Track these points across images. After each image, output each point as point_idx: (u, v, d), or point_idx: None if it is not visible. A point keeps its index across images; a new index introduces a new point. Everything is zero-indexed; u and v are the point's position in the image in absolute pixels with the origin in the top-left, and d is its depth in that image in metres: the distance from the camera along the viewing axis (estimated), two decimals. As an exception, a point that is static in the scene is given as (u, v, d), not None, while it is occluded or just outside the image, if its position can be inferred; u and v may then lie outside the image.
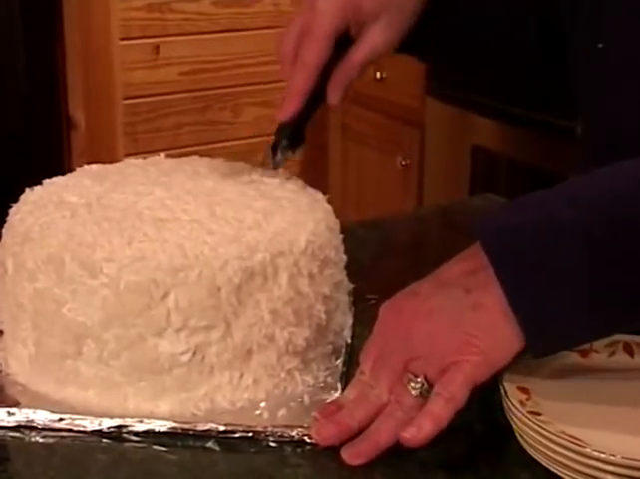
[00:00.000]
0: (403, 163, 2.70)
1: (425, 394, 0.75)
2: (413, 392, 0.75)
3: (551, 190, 0.76)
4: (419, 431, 0.73)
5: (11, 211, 0.87)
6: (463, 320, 0.74)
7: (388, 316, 0.79)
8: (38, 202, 0.87)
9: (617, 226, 0.72)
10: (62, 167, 2.60)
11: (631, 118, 0.95)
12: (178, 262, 0.78)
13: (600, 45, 0.98)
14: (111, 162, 0.98)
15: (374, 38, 0.93)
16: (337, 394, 0.82)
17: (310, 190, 0.92)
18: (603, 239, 0.72)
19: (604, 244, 0.72)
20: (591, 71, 1.00)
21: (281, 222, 0.83)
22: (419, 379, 0.75)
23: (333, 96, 0.93)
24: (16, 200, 0.89)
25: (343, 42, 0.92)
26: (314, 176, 0.95)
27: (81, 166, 0.97)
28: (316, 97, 0.93)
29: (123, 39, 2.61)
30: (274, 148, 0.95)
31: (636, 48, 0.94)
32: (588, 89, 1.01)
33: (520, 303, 0.73)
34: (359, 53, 0.93)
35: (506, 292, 0.73)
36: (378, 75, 2.78)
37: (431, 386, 0.74)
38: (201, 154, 1.01)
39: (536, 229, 0.73)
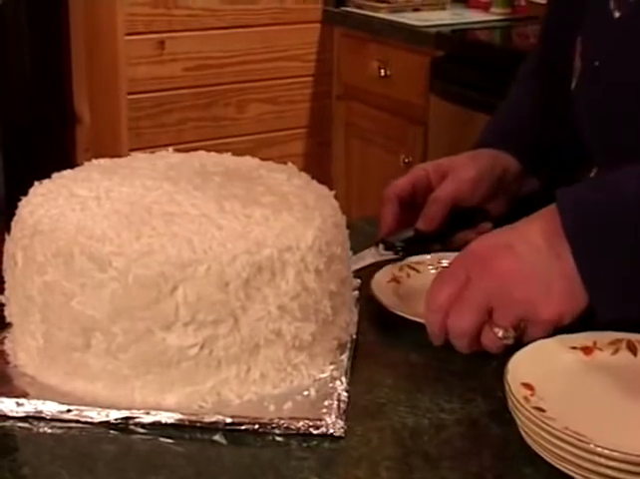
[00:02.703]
0: (406, 160, 2.70)
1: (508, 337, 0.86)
2: (501, 336, 0.86)
3: (626, 172, 0.85)
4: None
5: (20, 204, 0.88)
6: (553, 290, 0.84)
7: (478, 259, 0.86)
8: (48, 195, 0.87)
9: None
10: (67, 161, 2.61)
11: (628, 132, 0.98)
12: (187, 257, 0.79)
13: (596, 63, 1.01)
14: (115, 156, 0.99)
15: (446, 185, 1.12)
16: (342, 387, 0.83)
17: (317, 185, 0.93)
18: None
19: None
20: (588, 86, 1.03)
21: (288, 217, 0.84)
22: (508, 331, 0.86)
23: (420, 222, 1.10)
24: (21, 193, 0.89)
25: None
26: (318, 172, 0.96)
27: (85, 160, 0.97)
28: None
29: (128, 34, 2.62)
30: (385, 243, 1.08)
31: (627, 65, 0.96)
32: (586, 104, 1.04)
33: (589, 273, 0.83)
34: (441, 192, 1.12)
35: (576, 261, 0.83)
36: (382, 72, 2.78)
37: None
38: (205, 150, 1.02)
39: (608, 204, 0.83)
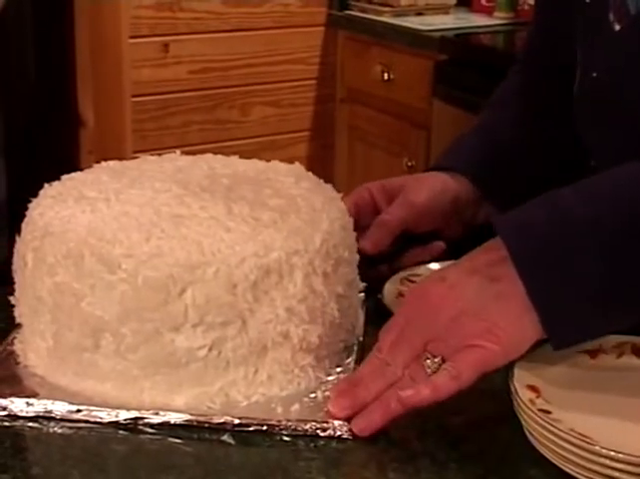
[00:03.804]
0: (409, 164, 2.71)
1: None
2: (428, 370, 0.78)
3: (572, 187, 0.80)
4: (415, 394, 0.76)
5: (30, 206, 0.88)
6: (487, 309, 0.77)
7: (413, 299, 0.82)
8: (58, 197, 0.88)
9: (634, 225, 0.75)
10: (70, 164, 2.62)
11: (628, 139, 0.98)
12: (196, 259, 0.79)
13: (594, 74, 1.02)
14: (119, 159, 0.99)
15: (395, 209, 1.09)
16: (349, 390, 0.83)
17: (325, 188, 0.93)
18: (621, 237, 0.75)
19: (621, 243, 0.75)
20: (588, 96, 1.04)
21: (296, 220, 0.85)
22: (436, 359, 0.78)
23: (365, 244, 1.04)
24: (26, 196, 0.90)
25: None
26: (321, 175, 0.96)
27: (89, 163, 0.98)
28: None
29: (132, 37, 2.63)
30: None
31: (628, 76, 0.97)
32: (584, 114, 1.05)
33: (539, 296, 0.76)
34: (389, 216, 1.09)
35: (526, 285, 0.76)
36: (385, 76, 2.79)
37: None
38: (209, 152, 1.02)
39: (555, 226, 0.77)
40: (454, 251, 1.05)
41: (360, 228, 1.02)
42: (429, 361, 0.78)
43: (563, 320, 0.76)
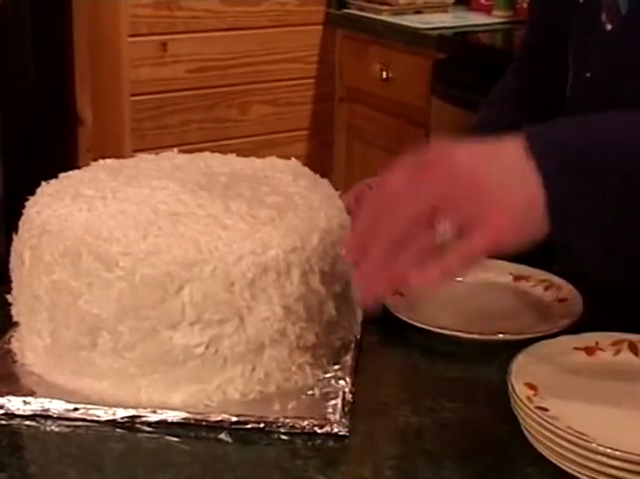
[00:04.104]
0: (408, 163, 2.71)
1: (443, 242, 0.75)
2: (436, 236, 0.75)
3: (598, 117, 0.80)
4: (425, 276, 0.74)
5: (28, 204, 0.88)
6: (502, 183, 0.75)
7: (437, 155, 0.77)
8: (55, 195, 0.88)
9: None
10: (69, 163, 2.61)
11: None
12: (193, 257, 0.79)
13: (588, 74, 1.02)
14: (118, 158, 0.99)
15: None
16: (346, 387, 0.83)
17: (322, 185, 0.93)
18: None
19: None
20: (581, 96, 1.04)
21: (294, 218, 0.85)
22: (447, 229, 0.75)
23: None
24: (24, 195, 0.90)
25: None
26: (319, 174, 0.97)
27: (88, 162, 0.98)
28: None
29: (131, 36, 2.62)
30: None
31: (620, 76, 0.97)
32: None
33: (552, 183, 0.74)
34: None
35: (537, 161, 0.75)
36: (384, 75, 2.79)
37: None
38: (207, 151, 1.02)
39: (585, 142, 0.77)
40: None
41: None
42: (441, 227, 0.75)
43: (568, 212, 0.75)
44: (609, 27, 1.00)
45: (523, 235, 0.76)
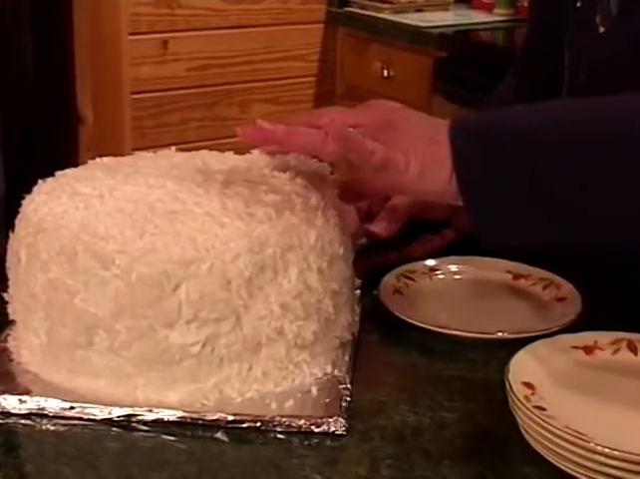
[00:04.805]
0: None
1: None
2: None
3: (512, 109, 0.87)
4: (321, 144, 0.84)
5: (24, 202, 0.88)
6: (417, 131, 0.85)
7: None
8: (51, 193, 0.88)
9: (560, 129, 0.81)
10: (70, 161, 2.61)
11: None
12: (190, 255, 0.79)
13: (582, 77, 1.02)
14: (118, 156, 0.99)
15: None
16: (343, 386, 0.83)
17: (321, 182, 0.92)
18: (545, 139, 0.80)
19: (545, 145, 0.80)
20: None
21: (291, 216, 0.84)
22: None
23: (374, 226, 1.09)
24: (24, 193, 0.90)
25: None
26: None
27: (88, 160, 0.98)
28: None
29: (131, 34, 2.62)
30: None
31: (613, 79, 0.97)
32: None
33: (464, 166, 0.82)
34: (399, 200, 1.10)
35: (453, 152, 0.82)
36: (385, 73, 2.79)
37: None
38: (208, 149, 1.02)
39: (491, 128, 0.84)
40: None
41: (371, 215, 1.05)
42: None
43: (479, 193, 0.81)
44: (602, 29, 1.01)
45: (426, 183, 0.83)
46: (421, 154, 0.83)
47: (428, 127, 0.86)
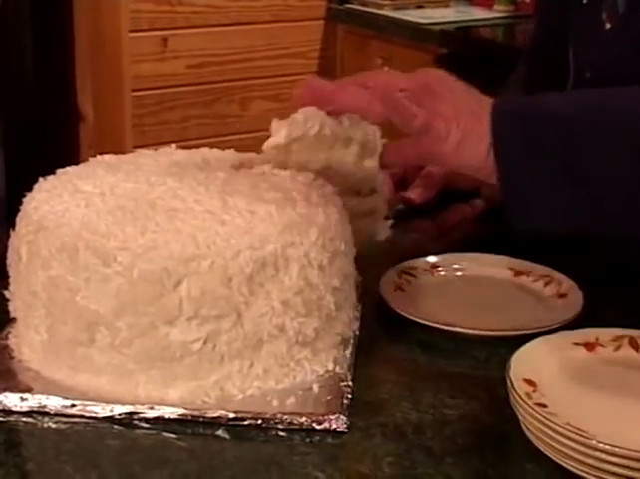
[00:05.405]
0: (409, 158, 2.70)
1: None
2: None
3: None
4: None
5: (25, 199, 0.88)
6: (461, 104, 0.87)
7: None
8: (52, 190, 0.87)
9: (597, 116, 0.84)
10: (70, 158, 2.61)
11: None
12: (191, 252, 0.79)
13: (588, 74, 1.02)
14: (119, 153, 0.99)
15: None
16: (345, 383, 0.83)
17: (321, 182, 0.93)
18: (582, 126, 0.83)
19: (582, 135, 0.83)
20: None
21: (292, 214, 0.84)
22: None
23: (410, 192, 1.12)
24: (25, 191, 0.89)
25: None
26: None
27: (88, 157, 0.98)
28: None
29: (132, 31, 2.62)
30: None
31: (618, 76, 0.98)
32: None
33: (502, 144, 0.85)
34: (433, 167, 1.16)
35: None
36: (385, 69, 2.78)
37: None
38: (209, 147, 1.02)
39: (532, 110, 0.86)
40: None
41: (405, 183, 1.09)
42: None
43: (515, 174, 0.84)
44: (608, 26, 1.00)
45: (463, 156, 0.85)
46: (462, 125, 0.85)
47: (470, 99, 0.88)
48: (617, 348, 0.84)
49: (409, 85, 0.88)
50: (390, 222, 1.01)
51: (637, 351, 0.84)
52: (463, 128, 0.85)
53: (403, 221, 1.07)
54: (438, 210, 1.12)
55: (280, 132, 0.93)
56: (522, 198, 0.84)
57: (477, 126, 0.85)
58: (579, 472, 0.72)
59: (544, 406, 0.74)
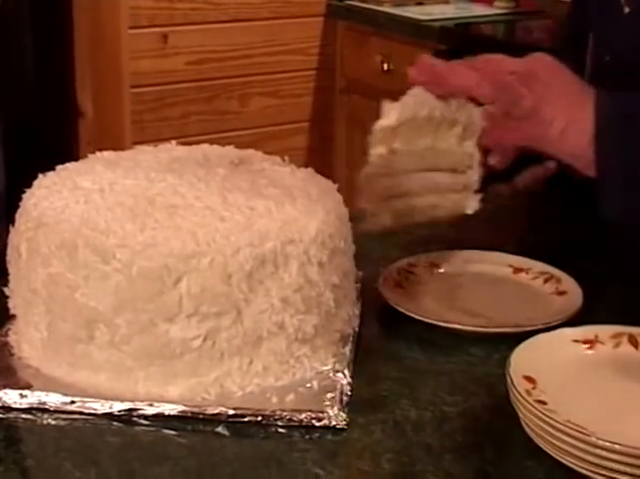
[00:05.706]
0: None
1: None
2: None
3: None
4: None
5: (25, 196, 0.88)
6: (567, 95, 0.89)
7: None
8: (52, 187, 0.87)
9: None
10: (70, 155, 2.61)
11: None
12: (190, 249, 0.79)
13: (607, 58, 1.02)
14: (118, 150, 0.99)
15: None
16: (344, 380, 0.83)
17: (320, 178, 0.93)
18: None
19: None
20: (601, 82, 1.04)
21: (292, 210, 0.84)
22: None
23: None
24: (23, 186, 0.89)
25: None
26: (320, 166, 0.97)
27: (87, 154, 0.98)
28: None
29: (131, 28, 2.61)
30: None
31: (638, 60, 0.98)
32: None
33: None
34: None
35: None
36: (385, 66, 2.78)
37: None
38: (208, 143, 1.02)
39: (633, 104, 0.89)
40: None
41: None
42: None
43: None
44: (627, 10, 1.01)
45: (566, 143, 0.87)
46: (567, 113, 0.87)
47: (576, 88, 0.89)
48: (616, 345, 0.84)
49: (518, 69, 0.89)
50: (480, 196, 1.01)
51: (636, 348, 0.84)
52: (567, 115, 0.87)
53: (482, 185, 1.07)
54: (511, 173, 1.12)
55: (391, 114, 0.96)
56: (618, 191, 0.86)
57: (581, 115, 0.87)
58: (579, 469, 0.72)
59: (544, 403, 0.74)
